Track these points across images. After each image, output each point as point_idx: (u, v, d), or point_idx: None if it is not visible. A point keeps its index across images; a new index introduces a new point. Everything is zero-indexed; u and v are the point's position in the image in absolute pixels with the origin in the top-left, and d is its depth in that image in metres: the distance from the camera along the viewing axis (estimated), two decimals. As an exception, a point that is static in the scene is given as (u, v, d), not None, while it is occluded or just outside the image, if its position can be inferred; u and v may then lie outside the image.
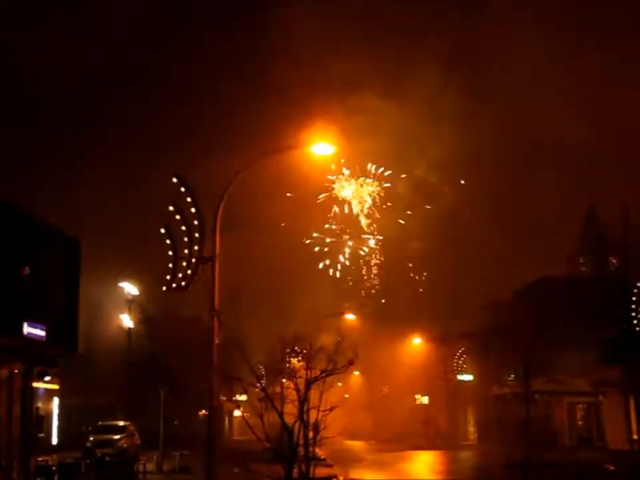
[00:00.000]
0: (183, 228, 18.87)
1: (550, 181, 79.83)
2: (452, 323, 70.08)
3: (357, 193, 58.37)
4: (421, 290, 63.54)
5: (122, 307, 44.04)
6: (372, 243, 61.11)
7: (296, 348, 20.54)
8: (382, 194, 59.17)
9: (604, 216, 55.11)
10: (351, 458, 45.94)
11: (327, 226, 61.19)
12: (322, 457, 33.13)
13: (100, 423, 40.99)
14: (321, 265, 60.42)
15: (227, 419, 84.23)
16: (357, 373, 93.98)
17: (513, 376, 52.55)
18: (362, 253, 61.34)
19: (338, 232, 60.22)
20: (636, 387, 42.75)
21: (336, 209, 59.44)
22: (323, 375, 16.29)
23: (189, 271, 18.69)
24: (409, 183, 60.27)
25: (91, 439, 37.50)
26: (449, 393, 76.80)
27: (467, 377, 73.99)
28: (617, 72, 77.68)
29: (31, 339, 29.17)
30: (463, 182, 61.52)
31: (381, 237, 60.53)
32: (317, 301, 56.89)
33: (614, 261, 49.64)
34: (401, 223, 61.39)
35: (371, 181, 58.60)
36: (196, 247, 18.80)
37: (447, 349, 76.37)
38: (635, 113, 58.71)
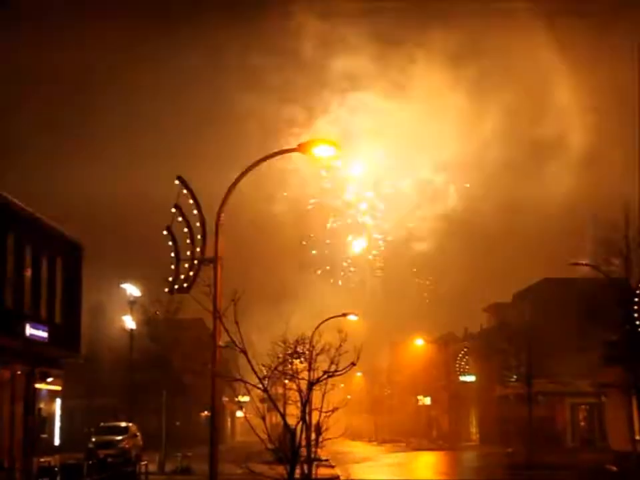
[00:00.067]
0: (185, 230, 18.92)
1: (550, 181, 79.83)
2: (454, 325, 70.16)
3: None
4: (425, 294, 63.40)
5: (124, 308, 44.11)
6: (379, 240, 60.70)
7: (298, 349, 20.57)
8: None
9: (604, 216, 55.14)
10: (353, 459, 46.00)
11: (328, 225, 61.05)
12: (324, 458, 33.17)
13: (102, 423, 41.03)
14: (319, 272, 60.21)
15: (229, 420, 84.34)
16: (359, 374, 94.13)
17: (515, 377, 52.51)
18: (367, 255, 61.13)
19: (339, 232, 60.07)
20: (638, 388, 42.68)
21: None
22: (325, 376, 16.28)
23: (191, 273, 18.75)
24: (413, 184, 60.15)
25: (93, 439, 37.54)
26: (452, 394, 76.85)
27: (470, 378, 74.03)
28: (617, 71, 77.64)
29: (33, 340, 29.23)
30: (468, 185, 61.33)
31: (381, 237, 60.30)
32: (320, 302, 56.89)
33: (615, 261, 49.61)
34: (404, 225, 61.15)
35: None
36: (198, 249, 18.86)
37: (449, 350, 76.46)
38: (635, 113, 58.70)
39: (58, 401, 33.93)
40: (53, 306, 31.95)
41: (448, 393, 77.51)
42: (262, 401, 17.08)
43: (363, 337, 49.35)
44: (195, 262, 18.67)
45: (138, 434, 40.15)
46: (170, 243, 18.93)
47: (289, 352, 20.06)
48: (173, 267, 18.85)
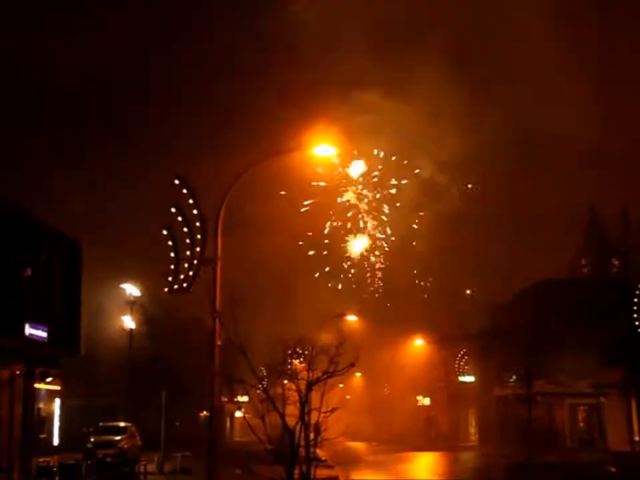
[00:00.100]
0: (185, 229, 18.91)
1: (550, 181, 79.89)
2: (454, 325, 70.05)
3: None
4: (425, 296, 63.32)
5: (123, 308, 44.11)
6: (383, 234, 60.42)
7: (297, 349, 20.55)
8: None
9: (604, 216, 55.23)
10: (352, 459, 45.98)
11: (327, 227, 60.95)
12: (323, 458, 33.16)
13: (101, 423, 41.02)
14: (316, 275, 60.07)
15: (228, 420, 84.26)
16: (358, 374, 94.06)
17: (514, 377, 52.52)
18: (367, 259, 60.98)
19: (342, 232, 59.95)
20: (637, 389, 42.77)
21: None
22: (325, 376, 16.27)
23: (191, 273, 18.75)
24: (414, 184, 60.02)
25: (92, 439, 37.52)
26: (451, 394, 76.81)
27: (469, 379, 74.01)
28: (617, 72, 77.75)
29: (32, 340, 29.20)
30: (470, 186, 61.18)
31: (386, 237, 60.03)
32: (319, 302, 56.89)
33: (615, 262, 49.67)
34: (406, 225, 60.92)
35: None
36: (198, 249, 18.85)
37: (448, 351, 76.37)
38: (635, 113, 58.77)
39: (57, 401, 33.89)
40: (52, 306, 31.91)
41: (447, 394, 77.44)
42: (261, 401, 17.05)
43: (362, 337, 49.36)
44: (195, 262, 18.67)
45: (137, 434, 40.14)
46: (170, 243, 18.92)
47: (289, 352, 20.06)
48: (172, 266, 18.85)
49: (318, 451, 19.34)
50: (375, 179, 58.98)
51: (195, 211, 18.94)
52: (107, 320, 51.94)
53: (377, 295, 62.43)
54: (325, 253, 60.65)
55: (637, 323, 42.13)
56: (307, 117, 52.99)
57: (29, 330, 28.78)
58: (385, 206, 59.68)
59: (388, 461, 47.26)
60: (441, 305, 66.92)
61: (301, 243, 59.39)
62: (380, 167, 58.96)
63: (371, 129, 56.84)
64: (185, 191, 18.99)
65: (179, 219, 18.97)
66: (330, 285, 60.59)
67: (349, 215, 59.69)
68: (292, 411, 16.48)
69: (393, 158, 59.08)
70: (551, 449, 47.29)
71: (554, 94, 77.45)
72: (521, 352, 47.16)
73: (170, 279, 18.84)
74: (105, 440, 36.98)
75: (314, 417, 16.71)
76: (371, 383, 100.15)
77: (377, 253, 61.02)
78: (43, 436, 32.25)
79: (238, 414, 79.44)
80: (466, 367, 74.48)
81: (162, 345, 55.87)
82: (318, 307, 54.06)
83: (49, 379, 32.44)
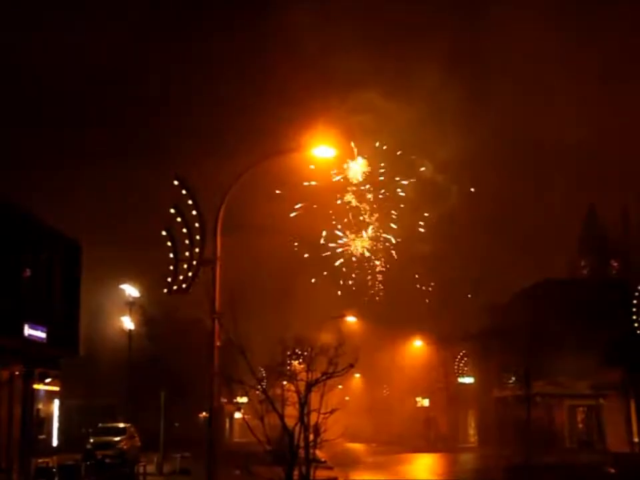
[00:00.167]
0: (184, 230, 18.90)
1: (550, 181, 79.91)
2: (453, 326, 70.01)
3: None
4: (427, 301, 63.08)
5: (123, 308, 44.09)
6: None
7: (297, 350, 20.55)
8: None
9: (604, 216, 55.22)
10: (351, 460, 45.96)
11: (324, 231, 60.64)
12: (322, 460, 33.14)
13: (100, 424, 40.99)
14: (313, 280, 59.83)
15: (227, 421, 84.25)
16: (357, 375, 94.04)
17: (513, 378, 52.49)
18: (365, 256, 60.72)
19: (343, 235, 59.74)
20: (636, 390, 42.76)
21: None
22: (324, 377, 16.25)
23: (190, 273, 18.73)
24: (416, 184, 59.74)
25: (92, 440, 37.49)
26: (450, 395, 76.81)
27: (468, 380, 74.00)
28: (617, 72, 77.78)
29: (31, 340, 29.18)
30: (473, 190, 60.93)
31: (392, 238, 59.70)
32: (318, 303, 56.81)
33: (614, 263, 49.65)
34: (410, 227, 60.55)
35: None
36: (197, 249, 18.83)
37: (447, 352, 76.38)
38: (635, 113, 58.77)
39: (56, 402, 33.87)
40: (52, 306, 31.89)
41: (446, 395, 77.44)
42: (260, 402, 17.04)
43: (362, 338, 49.28)
44: (194, 262, 18.65)
45: (136, 435, 40.11)
46: (169, 244, 18.90)
47: (288, 353, 20.05)
48: (171, 267, 18.82)
49: (317, 452, 19.33)
50: (381, 178, 58.54)
51: (194, 212, 18.92)
52: (106, 320, 51.93)
53: (377, 298, 62.19)
54: (324, 254, 60.35)
55: (636, 324, 42.11)
56: (306, 117, 52.96)
57: (28, 330, 28.77)
58: (382, 206, 59.43)
59: (387, 462, 47.25)
60: (441, 306, 66.79)
61: (295, 244, 59.07)
62: (382, 164, 58.59)
63: (370, 129, 56.69)
64: (184, 191, 18.97)
65: (178, 219, 18.96)
66: (329, 286, 60.38)
67: (350, 216, 59.38)
68: (291, 411, 16.47)
69: (399, 153, 58.57)
70: (550, 450, 47.27)
71: (554, 94, 77.52)
72: (521, 353, 47.14)
73: (169, 279, 18.83)
74: (104, 441, 36.95)
75: (313, 418, 16.70)
76: (371, 384, 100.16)
77: (378, 254, 60.74)
78: (42, 437, 32.23)
79: (237, 415, 79.45)
80: (465, 368, 74.47)
81: (161, 346, 55.89)
82: (317, 308, 54.05)
83: (48, 380, 32.42)
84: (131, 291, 43.36)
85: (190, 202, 18.98)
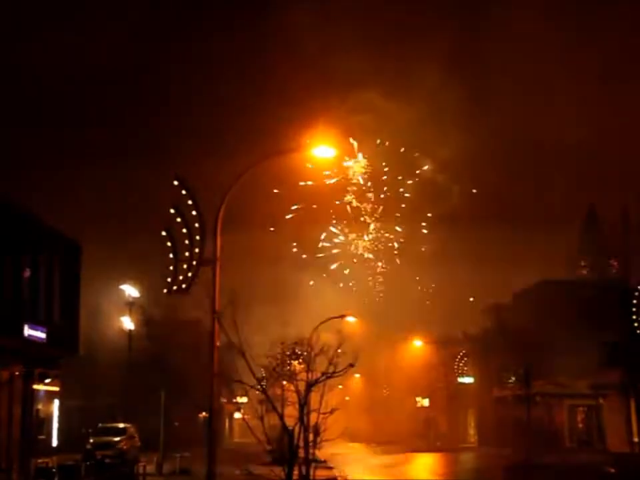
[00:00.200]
0: (184, 230, 18.90)
1: (550, 181, 79.90)
2: (453, 326, 70.03)
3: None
4: (428, 302, 63.04)
5: (122, 309, 44.10)
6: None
7: (297, 350, 20.55)
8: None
9: (604, 216, 55.16)
10: (351, 460, 45.94)
11: (323, 234, 60.53)
12: (322, 459, 33.12)
13: (100, 424, 40.97)
14: (311, 283, 59.76)
15: (227, 421, 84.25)
16: (357, 375, 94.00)
17: (513, 378, 52.54)
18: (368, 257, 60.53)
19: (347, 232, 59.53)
20: (636, 390, 42.77)
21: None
22: (324, 377, 16.27)
23: (190, 274, 18.74)
24: (417, 184, 59.62)
25: (91, 440, 37.47)
26: (450, 395, 76.81)
27: (468, 380, 73.99)
28: (617, 72, 77.72)
29: (31, 341, 29.18)
30: (475, 191, 60.84)
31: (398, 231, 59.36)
32: (318, 303, 56.78)
33: (614, 263, 49.63)
34: (411, 227, 60.37)
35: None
36: (197, 250, 18.83)
37: (447, 352, 76.39)
38: (635, 113, 58.74)
39: (56, 402, 33.88)
40: (51, 306, 31.90)
41: (446, 395, 77.45)
42: (260, 402, 17.06)
43: (362, 339, 49.18)
44: (194, 263, 18.65)
45: (136, 435, 40.09)
46: (169, 244, 18.90)
47: (288, 353, 20.05)
48: (171, 267, 18.82)
49: (317, 451, 19.34)
50: (384, 177, 58.35)
51: (194, 212, 18.93)
52: (106, 321, 51.93)
53: (377, 299, 62.08)
54: (323, 255, 60.24)
55: (636, 324, 42.16)
56: (306, 117, 52.88)
57: (27, 331, 28.77)
58: (382, 207, 59.29)
59: (387, 461, 47.24)
60: (441, 306, 66.80)
61: (294, 244, 58.99)
62: (384, 163, 58.43)
63: (371, 129, 56.65)
64: (184, 191, 18.98)
65: (178, 219, 18.96)
66: (329, 287, 60.30)
67: (350, 212, 59.15)
68: (291, 411, 16.49)
69: (402, 150, 58.40)
70: (550, 450, 47.30)
71: (554, 94, 77.50)
72: (520, 352, 47.18)
73: (169, 279, 18.83)
74: (104, 441, 36.93)
75: (313, 417, 16.72)
76: (370, 384, 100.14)
77: (380, 256, 60.57)
78: (41, 437, 32.25)
79: (237, 415, 79.44)
80: (465, 368, 74.47)
81: (161, 346, 55.88)
82: (317, 308, 53.98)
83: (47, 380, 32.43)
84: (130, 291, 43.37)
85: (190, 202, 18.98)
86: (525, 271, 59.29)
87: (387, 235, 59.28)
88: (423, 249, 60.14)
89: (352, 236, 59.33)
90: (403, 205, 58.81)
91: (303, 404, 16.03)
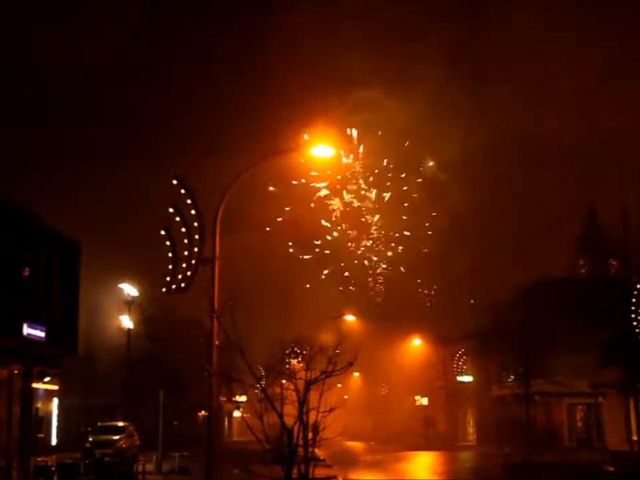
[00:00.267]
0: (183, 230, 18.92)
1: (550, 181, 79.95)
2: (452, 324, 70.01)
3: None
4: (429, 304, 62.81)
5: (121, 307, 44.11)
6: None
7: (296, 349, 20.58)
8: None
9: (604, 216, 55.13)
10: (350, 459, 45.98)
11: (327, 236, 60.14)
12: (321, 458, 33.15)
13: (99, 423, 41.01)
14: (307, 286, 59.57)
15: (226, 419, 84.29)
16: (356, 374, 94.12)
17: (512, 377, 52.48)
18: (366, 263, 60.21)
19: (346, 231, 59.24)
20: (635, 389, 42.72)
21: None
22: (323, 376, 16.28)
23: (189, 273, 18.76)
24: (417, 184, 59.36)
25: (90, 439, 37.51)
26: (449, 394, 76.85)
27: (467, 378, 73.99)
28: (617, 72, 77.81)
29: (30, 339, 29.20)
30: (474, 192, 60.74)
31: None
32: (318, 303, 56.75)
33: (614, 262, 49.58)
34: (413, 227, 60.04)
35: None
36: (196, 249, 18.86)
37: (446, 350, 76.43)
38: (635, 113, 58.79)
39: (55, 401, 33.90)
40: (51, 305, 31.92)
41: (445, 393, 77.50)
42: (259, 400, 17.07)
43: (361, 337, 49.23)
44: (193, 262, 18.67)
45: (135, 433, 40.12)
46: (168, 243, 18.92)
47: (287, 351, 20.07)
48: (170, 266, 18.84)
49: (316, 450, 19.36)
50: (389, 175, 58.01)
51: (193, 211, 18.95)
52: (105, 320, 51.94)
53: (378, 299, 61.85)
54: (322, 255, 60.00)
55: (635, 323, 42.14)
56: (306, 117, 52.90)
57: (27, 330, 28.80)
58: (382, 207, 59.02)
59: (386, 460, 47.26)
60: (442, 306, 66.74)
61: (290, 243, 58.76)
62: (385, 160, 58.18)
63: (371, 129, 56.54)
64: (183, 191, 19.00)
65: (177, 219, 18.98)
66: (328, 287, 60.12)
67: (349, 210, 58.87)
68: (290, 410, 16.48)
69: (406, 144, 58.12)
70: (549, 449, 47.32)
71: (554, 94, 77.55)
72: (520, 351, 47.14)
73: (168, 278, 18.86)
74: (103, 439, 36.96)
75: (312, 416, 16.73)
76: (369, 383, 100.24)
77: (381, 257, 60.26)
78: (41, 435, 32.29)
79: (236, 413, 79.53)
80: (464, 367, 74.46)
81: (160, 345, 55.90)
82: (317, 307, 53.98)
83: (47, 379, 32.45)
84: (129, 290, 43.37)
85: (189, 201, 19.00)
86: (524, 269, 59.40)
87: (390, 233, 59.01)
88: (425, 250, 59.91)
89: (352, 233, 59.07)
90: (406, 204, 58.52)
91: (302, 402, 16.05)
